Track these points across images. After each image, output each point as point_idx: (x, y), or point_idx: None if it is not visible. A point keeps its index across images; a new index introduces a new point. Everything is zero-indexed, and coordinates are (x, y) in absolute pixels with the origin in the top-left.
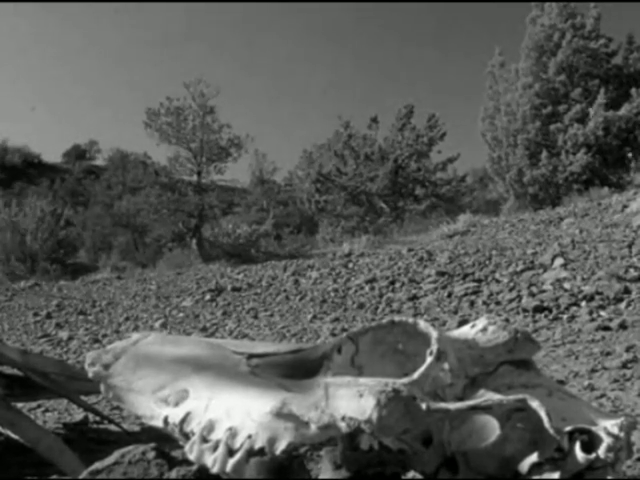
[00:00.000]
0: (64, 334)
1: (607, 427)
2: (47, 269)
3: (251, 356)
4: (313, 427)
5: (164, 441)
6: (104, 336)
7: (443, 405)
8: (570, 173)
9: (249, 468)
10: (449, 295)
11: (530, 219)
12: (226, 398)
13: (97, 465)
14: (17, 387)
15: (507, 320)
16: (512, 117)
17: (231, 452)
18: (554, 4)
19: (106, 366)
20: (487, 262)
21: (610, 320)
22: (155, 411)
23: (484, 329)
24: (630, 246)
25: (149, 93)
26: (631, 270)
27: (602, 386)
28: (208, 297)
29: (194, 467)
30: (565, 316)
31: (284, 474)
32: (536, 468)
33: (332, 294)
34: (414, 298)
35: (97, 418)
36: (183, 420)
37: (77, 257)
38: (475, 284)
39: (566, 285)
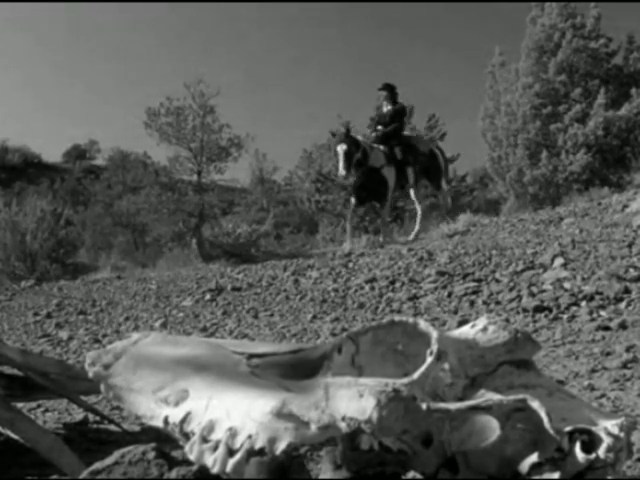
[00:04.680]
0: (64, 334)
1: (607, 427)
2: (47, 269)
3: (251, 356)
4: (313, 427)
5: (164, 441)
6: (104, 336)
7: (443, 405)
8: (570, 173)
9: (249, 468)
10: (449, 295)
11: (530, 219)
12: (226, 398)
13: (97, 465)
14: (17, 387)
15: (507, 320)
16: (512, 117)
17: (231, 452)
18: (554, 4)
19: (106, 366)
20: (487, 262)
21: (610, 320)
22: (155, 411)
23: (484, 329)
24: (630, 246)
25: (149, 93)
26: (631, 270)
27: (602, 386)
28: (208, 297)
29: (194, 467)
30: (565, 316)
31: (284, 474)
32: (536, 468)
33: (332, 294)
34: (414, 298)
35: (97, 418)
36: (183, 420)
37: (77, 257)
38: (475, 284)
39: (566, 285)
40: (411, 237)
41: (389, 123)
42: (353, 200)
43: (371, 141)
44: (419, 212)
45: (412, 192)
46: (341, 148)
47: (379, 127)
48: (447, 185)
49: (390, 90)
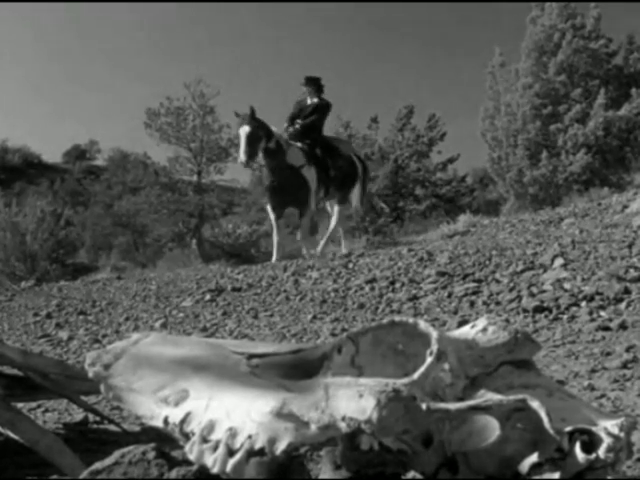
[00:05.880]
0: (64, 334)
1: (607, 427)
2: (47, 269)
3: (251, 356)
4: (313, 427)
5: (164, 441)
6: (104, 336)
7: (443, 405)
8: (570, 173)
9: (249, 468)
10: (449, 295)
11: (530, 219)
12: (226, 398)
13: (97, 465)
14: (17, 387)
15: (507, 320)
16: (512, 117)
17: (231, 452)
18: (554, 4)
19: (106, 366)
20: (487, 262)
21: (610, 320)
22: (155, 411)
23: (484, 329)
24: (630, 246)
25: (149, 93)
26: (631, 270)
27: (602, 386)
28: (208, 297)
29: (194, 467)
30: (565, 316)
31: (284, 474)
32: (536, 468)
33: (332, 294)
34: (414, 298)
35: (97, 418)
36: (183, 420)
37: (77, 257)
38: (475, 284)
39: (566, 285)
40: (318, 250)
41: (308, 116)
42: (269, 208)
43: (288, 138)
44: (332, 224)
45: (331, 202)
46: (243, 131)
47: (298, 121)
48: (361, 205)
49: (315, 84)
